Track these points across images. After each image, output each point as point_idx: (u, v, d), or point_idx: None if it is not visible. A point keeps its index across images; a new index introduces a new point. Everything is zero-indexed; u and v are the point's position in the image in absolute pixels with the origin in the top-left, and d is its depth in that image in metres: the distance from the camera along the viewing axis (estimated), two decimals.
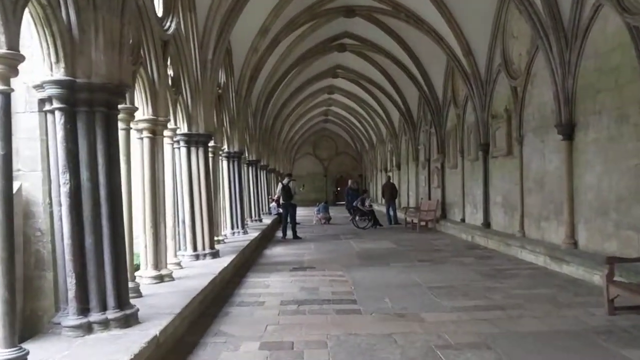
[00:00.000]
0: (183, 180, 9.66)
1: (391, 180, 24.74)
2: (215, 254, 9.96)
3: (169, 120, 8.21)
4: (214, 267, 8.75)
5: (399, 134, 28.11)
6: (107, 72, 4.97)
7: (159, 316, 5.43)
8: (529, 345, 5.37)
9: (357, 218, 20.91)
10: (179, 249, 9.36)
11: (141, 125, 7.26)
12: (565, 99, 10.02)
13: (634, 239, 8.19)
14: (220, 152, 13.82)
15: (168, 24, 8.06)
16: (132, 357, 4.20)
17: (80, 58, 4.82)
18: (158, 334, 4.89)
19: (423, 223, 18.89)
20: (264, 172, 24.60)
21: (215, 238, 11.05)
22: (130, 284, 5.99)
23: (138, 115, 6.96)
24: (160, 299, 6.27)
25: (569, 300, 7.28)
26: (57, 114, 4.75)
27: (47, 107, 4.85)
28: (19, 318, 4.72)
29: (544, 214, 11.31)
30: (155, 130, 7.43)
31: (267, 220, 20.41)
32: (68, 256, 4.76)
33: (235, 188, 15.21)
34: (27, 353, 3.87)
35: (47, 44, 4.67)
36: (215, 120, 11.79)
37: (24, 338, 4.65)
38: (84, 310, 4.79)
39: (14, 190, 4.63)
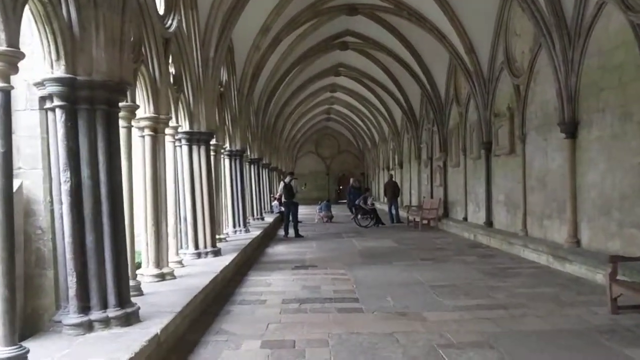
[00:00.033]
0: (185, 179, 9.64)
1: (393, 179, 24.69)
2: (217, 252, 9.95)
3: (171, 118, 8.19)
4: (215, 266, 8.73)
5: (401, 132, 28.07)
6: (107, 69, 4.96)
7: (160, 314, 5.42)
8: (532, 344, 5.34)
9: (359, 216, 20.88)
10: (181, 247, 9.35)
11: (142, 123, 7.24)
12: (568, 97, 9.98)
13: (637, 238, 8.15)
14: (222, 151, 13.82)
15: (169, 21, 8.04)
16: (133, 355, 4.19)
17: (81, 55, 4.80)
18: (159, 333, 4.88)
19: (425, 222, 18.86)
20: (266, 170, 24.57)
21: (217, 236, 11.03)
22: (132, 282, 5.97)
23: (139, 113, 6.94)
24: (162, 297, 6.26)
25: (571, 299, 7.25)
26: (58, 111, 4.74)
27: (48, 104, 4.83)
28: (20, 316, 4.71)
29: (546, 212, 11.27)
30: (157, 128, 7.42)
31: (269, 219, 20.40)
32: (69, 254, 4.75)
33: (237, 186, 15.19)
34: (28, 351, 3.86)
35: (48, 42, 4.65)
36: (217, 118, 11.78)
37: (25, 336, 4.64)
38: (84, 308, 4.78)
39: (15, 189, 4.62)
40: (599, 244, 9.25)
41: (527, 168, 12.22)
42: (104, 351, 4.24)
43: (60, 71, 4.71)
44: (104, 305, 4.90)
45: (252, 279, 9.32)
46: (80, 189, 4.82)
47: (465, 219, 16.81)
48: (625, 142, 8.49)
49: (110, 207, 4.99)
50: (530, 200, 12.05)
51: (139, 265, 7.28)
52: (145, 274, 7.17)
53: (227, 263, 9.12)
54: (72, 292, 4.74)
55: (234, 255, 10.09)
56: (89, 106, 4.87)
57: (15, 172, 4.81)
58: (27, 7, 4.26)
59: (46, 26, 4.58)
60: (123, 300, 5.05)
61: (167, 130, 8.09)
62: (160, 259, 7.38)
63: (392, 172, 28.80)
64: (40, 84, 4.79)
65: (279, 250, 13.64)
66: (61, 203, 4.77)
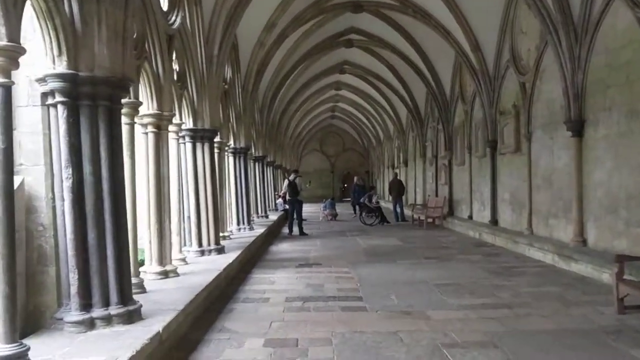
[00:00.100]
0: (188, 176, 9.62)
1: (398, 177, 24.64)
2: (220, 250, 9.93)
3: (174, 115, 8.16)
4: (219, 263, 8.70)
5: (406, 130, 27.99)
6: (110, 65, 4.93)
7: (163, 312, 5.39)
8: (537, 344, 5.29)
9: (363, 214, 20.84)
10: (184, 245, 9.32)
11: (146, 120, 7.21)
12: (575, 95, 9.90)
13: None
14: (227, 148, 13.78)
15: (173, 18, 8.01)
16: (134, 353, 4.16)
17: (82, 51, 4.77)
18: (161, 331, 4.85)
19: (430, 220, 18.81)
20: (271, 168, 24.55)
21: (221, 234, 11.01)
22: (135, 280, 5.96)
23: (142, 110, 6.92)
24: (164, 295, 6.23)
25: (577, 299, 7.19)
26: (60, 107, 4.71)
27: (50, 100, 4.80)
28: (22, 313, 4.70)
29: (552, 211, 11.19)
30: (160, 125, 7.39)
31: (273, 217, 20.38)
32: (70, 251, 4.73)
33: (242, 184, 15.17)
34: (28, 349, 3.83)
35: (50, 37, 4.63)
36: (221, 115, 11.75)
37: (26, 333, 4.63)
38: (86, 305, 4.76)
39: (17, 185, 4.60)
40: (605, 243, 9.17)
41: (532, 166, 12.14)
42: (105, 349, 4.21)
43: (62, 67, 4.68)
44: (106, 303, 4.87)
45: (255, 276, 9.29)
46: (82, 186, 4.80)
47: (470, 217, 16.73)
48: (632, 141, 8.41)
49: (112, 203, 4.96)
50: (536, 198, 11.97)
51: (142, 263, 7.25)
52: (149, 272, 7.15)
53: (230, 261, 9.09)
54: (73, 289, 4.72)
55: (238, 253, 10.07)
56: (91, 102, 4.84)
57: (17, 168, 4.80)
58: (29, 3, 4.24)
59: (48, 21, 4.56)
60: (125, 297, 5.02)
61: (171, 127, 8.05)
62: (163, 257, 7.36)
63: (397, 171, 28.73)
64: (42, 80, 4.77)
65: (283, 248, 13.61)
66: (63, 200, 4.75)
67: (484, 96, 14.69)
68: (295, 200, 17.01)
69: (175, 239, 8.36)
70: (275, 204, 24.54)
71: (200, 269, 8.17)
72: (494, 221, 14.48)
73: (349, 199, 30.62)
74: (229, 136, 13.87)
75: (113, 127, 5.03)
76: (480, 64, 14.46)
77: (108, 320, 4.81)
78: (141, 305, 5.22)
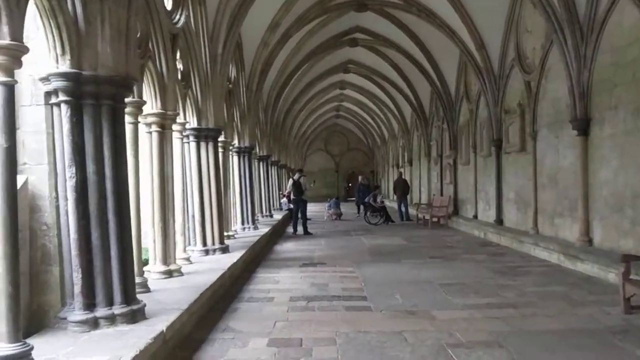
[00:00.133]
0: (193, 175, 9.61)
1: (403, 176, 24.60)
2: (225, 249, 9.92)
3: (178, 114, 8.15)
4: (223, 263, 8.69)
5: (411, 129, 27.94)
6: (113, 64, 4.92)
7: (166, 312, 5.38)
8: (542, 344, 5.25)
9: (368, 214, 20.80)
10: (189, 244, 9.32)
11: (150, 119, 7.21)
12: (581, 93, 9.84)
13: None
14: (231, 147, 13.79)
15: (177, 17, 8.00)
16: (138, 352, 4.15)
17: (86, 50, 4.76)
18: (165, 330, 4.84)
19: (435, 219, 18.76)
20: (275, 167, 24.54)
21: (226, 233, 11.00)
22: (139, 279, 5.96)
23: (146, 109, 6.92)
24: (168, 294, 6.22)
25: (583, 299, 7.14)
26: (63, 106, 4.71)
27: (53, 99, 4.80)
28: (26, 313, 4.70)
29: (558, 210, 11.14)
30: (164, 125, 7.38)
31: (277, 216, 20.36)
32: (74, 251, 4.72)
33: (246, 183, 15.16)
34: (32, 348, 3.82)
35: (53, 36, 4.62)
36: (225, 114, 11.75)
37: (31, 332, 4.63)
38: (90, 305, 4.75)
39: (20, 184, 4.60)
40: (611, 243, 9.11)
41: (538, 165, 12.08)
42: (108, 348, 4.20)
43: (65, 66, 4.67)
44: (110, 302, 4.87)
45: (260, 276, 9.28)
46: (85, 185, 4.79)
47: (475, 216, 16.68)
48: (639, 139, 8.35)
49: (116, 203, 4.95)
50: (541, 198, 11.91)
51: (146, 262, 7.25)
52: (153, 271, 7.14)
53: (235, 260, 9.08)
54: (77, 288, 4.71)
55: (242, 252, 10.06)
56: (95, 101, 4.83)
57: (20, 167, 4.81)
58: (32, 1, 4.23)
59: (51, 20, 4.55)
60: (129, 297, 5.01)
61: (175, 127, 8.04)
62: (167, 256, 7.35)
63: (402, 170, 28.69)
64: (45, 79, 4.76)
65: (287, 247, 13.60)
66: (66, 199, 4.75)
67: (488, 95, 14.64)
68: (299, 199, 17.00)
69: (179, 238, 8.35)
70: (280, 204, 24.53)
71: (205, 268, 8.16)
72: (499, 220, 14.42)
73: (354, 198, 30.59)
74: (233, 135, 13.86)
75: (116, 126, 5.02)
76: (485, 63, 14.41)
77: (112, 319, 4.80)
78: (145, 305, 5.21)
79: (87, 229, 4.79)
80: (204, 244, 9.63)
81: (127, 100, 5.41)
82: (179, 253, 8.19)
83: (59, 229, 4.86)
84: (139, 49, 6.22)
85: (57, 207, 4.86)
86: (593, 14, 9.34)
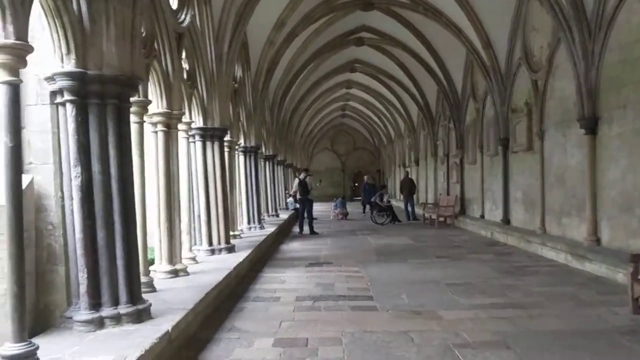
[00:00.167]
0: (198, 175, 9.61)
1: (409, 176, 24.54)
2: (231, 249, 9.91)
3: (184, 113, 8.15)
4: (229, 262, 8.68)
5: (417, 129, 27.86)
6: (118, 63, 4.91)
7: (172, 311, 5.38)
8: (550, 344, 5.21)
9: (374, 213, 20.76)
10: (195, 244, 9.32)
11: (155, 119, 7.20)
12: (588, 92, 9.76)
13: None
14: (237, 147, 13.78)
15: (183, 16, 7.99)
16: (143, 352, 4.14)
17: (91, 49, 4.76)
18: (170, 330, 4.83)
19: (441, 219, 18.69)
20: (281, 167, 24.54)
21: (232, 233, 11.00)
22: (144, 279, 5.96)
23: (152, 108, 6.91)
24: (174, 294, 6.21)
25: (591, 299, 7.08)
26: (68, 106, 4.70)
27: (59, 99, 4.80)
28: (32, 312, 4.71)
29: (565, 210, 11.07)
30: (170, 124, 7.38)
31: (284, 216, 20.36)
32: (80, 250, 4.72)
33: (252, 183, 15.16)
34: (37, 348, 3.82)
35: (58, 35, 4.62)
36: (231, 114, 11.74)
37: (37, 332, 4.64)
38: (95, 305, 4.75)
39: (26, 184, 4.61)
40: (619, 242, 9.04)
41: (545, 165, 12.00)
42: (114, 348, 4.20)
43: (70, 65, 4.67)
44: (115, 302, 4.86)
45: (266, 275, 9.27)
46: (91, 185, 4.79)
47: (482, 216, 16.61)
48: None
49: (121, 202, 4.95)
50: (549, 197, 11.84)
51: (152, 262, 7.25)
52: (158, 270, 7.14)
53: (241, 260, 9.08)
54: (82, 288, 4.71)
55: (248, 251, 10.05)
56: (100, 101, 4.83)
57: (26, 167, 4.82)
58: (37, 1, 4.23)
59: (56, 20, 4.55)
60: (134, 296, 5.00)
61: (180, 126, 8.04)
62: (173, 256, 7.35)
63: (408, 169, 28.61)
64: (50, 79, 4.76)
65: (293, 247, 13.59)
66: (72, 198, 4.75)
67: (495, 94, 14.57)
68: (305, 199, 16.98)
69: (185, 237, 8.35)
70: (286, 203, 24.52)
71: (211, 267, 8.16)
72: (506, 220, 14.35)
73: (360, 198, 30.52)
74: (239, 135, 13.86)
75: (122, 126, 5.01)
76: (491, 62, 14.33)
77: (117, 319, 4.80)
78: (150, 305, 5.20)
79: (93, 228, 4.79)
80: (210, 243, 9.63)
81: (132, 99, 5.41)
82: (185, 253, 8.19)
83: (64, 228, 4.87)
84: (144, 49, 6.22)
85: (63, 207, 4.87)
86: (601, 11, 9.26)
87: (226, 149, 10.96)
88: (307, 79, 22.90)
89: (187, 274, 7.46)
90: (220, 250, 9.68)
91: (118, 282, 4.90)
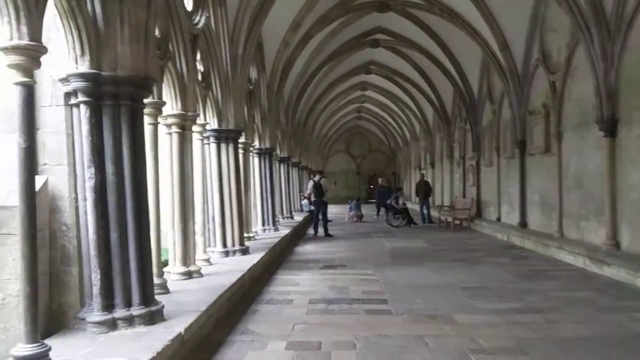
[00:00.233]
0: (213, 176, 9.60)
1: (425, 178, 24.40)
2: (245, 251, 9.90)
3: (198, 115, 8.14)
4: (243, 264, 8.66)
5: (433, 131, 27.70)
6: (132, 65, 4.90)
7: (185, 313, 5.36)
8: (568, 351, 5.10)
9: (389, 216, 20.65)
10: (209, 245, 9.32)
11: (170, 121, 7.20)
12: (607, 93, 9.61)
13: None
14: (251, 149, 13.76)
15: (197, 18, 8.00)
16: (155, 354, 4.12)
17: (105, 51, 4.76)
18: (183, 332, 4.81)
19: (457, 222, 18.52)
20: (296, 169, 24.51)
21: (246, 235, 10.99)
22: (158, 280, 5.95)
23: (166, 110, 6.91)
24: (188, 296, 6.20)
25: (610, 304, 6.95)
26: (82, 107, 4.71)
27: (73, 100, 4.80)
28: (46, 313, 4.72)
29: (583, 213, 10.90)
30: (184, 126, 7.37)
31: (298, 218, 20.32)
32: (93, 251, 4.72)
33: (267, 185, 15.15)
34: (49, 349, 3.82)
35: (72, 37, 4.63)
36: (246, 115, 11.72)
37: (51, 332, 4.66)
38: (108, 306, 4.74)
39: (40, 185, 4.62)
40: (639, 247, 8.87)
41: (563, 168, 11.84)
42: (126, 350, 4.19)
43: (84, 67, 4.68)
44: (128, 304, 4.86)
45: (280, 277, 9.23)
46: (104, 186, 4.79)
47: (499, 219, 16.44)
48: None
49: (134, 204, 4.94)
50: (566, 200, 11.67)
51: (165, 263, 7.25)
52: (172, 272, 7.14)
53: (255, 262, 9.05)
54: (96, 289, 4.71)
55: (263, 253, 10.03)
56: (114, 102, 4.83)
57: (40, 168, 4.84)
58: (51, 2, 4.24)
59: (70, 21, 4.56)
60: (147, 298, 5.00)
61: (195, 128, 8.04)
62: (187, 257, 7.34)
63: (424, 172, 28.44)
64: (65, 80, 4.77)
65: (308, 249, 13.55)
66: (85, 199, 4.75)
67: (512, 96, 14.42)
68: (320, 201, 16.93)
69: (199, 239, 8.36)
70: (301, 205, 24.49)
71: (224, 269, 8.14)
72: (523, 223, 14.18)
73: (375, 200, 30.40)
74: (253, 137, 13.85)
75: (136, 127, 5.01)
76: (508, 63, 14.17)
77: (130, 321, 4.79)
78: (163, 306, 5.19)
79: (106, 229, 4.79)
80: (224, 245, 9.61)
81: (146, 101, 5.39)
82: (199, 254, 8.19)
83: (78, 229, 4.87)
84: (158, 50, 6.23)
85: (77, 208, 4.87)
86: (620, 11, 9.12)
87: (241, 151, 10.94)
88: (323, 81, 22.87)
89: (201, 275, 7.45)
90: (234, 252, 9.67)
91: (131, 283, 4.90)
